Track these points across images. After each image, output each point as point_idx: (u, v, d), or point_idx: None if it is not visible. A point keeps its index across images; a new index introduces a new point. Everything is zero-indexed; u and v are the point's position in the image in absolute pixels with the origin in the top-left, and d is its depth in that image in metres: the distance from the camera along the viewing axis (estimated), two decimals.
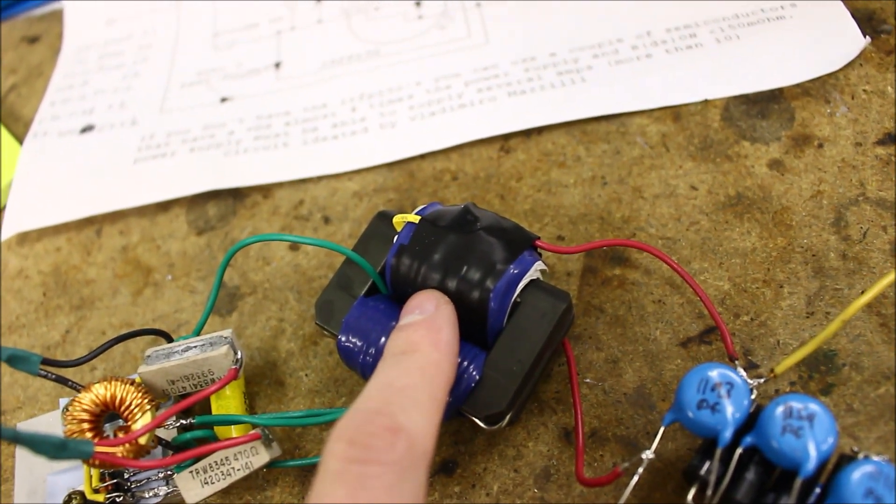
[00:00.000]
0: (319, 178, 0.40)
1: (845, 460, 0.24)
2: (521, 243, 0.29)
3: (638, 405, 0.30)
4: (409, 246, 0.29)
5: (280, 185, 0.40)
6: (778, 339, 0.30)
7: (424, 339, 0.25)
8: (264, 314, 0.36)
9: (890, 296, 0.30)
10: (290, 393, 0.33)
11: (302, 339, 0.35)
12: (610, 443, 0.29)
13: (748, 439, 0.25)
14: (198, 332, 0.32)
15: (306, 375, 0.34)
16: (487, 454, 0.30)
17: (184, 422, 0.29)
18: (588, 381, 0.31)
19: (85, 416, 0.28)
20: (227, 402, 0.31)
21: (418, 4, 0.45)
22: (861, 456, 0.24)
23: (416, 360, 0.25)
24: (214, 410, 0.31)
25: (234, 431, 0.30)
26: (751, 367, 0.30)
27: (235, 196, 0.40)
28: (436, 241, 0.28)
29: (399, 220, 0.30)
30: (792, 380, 0.29)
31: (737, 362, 0.28)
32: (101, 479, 0.30)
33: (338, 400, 0.33)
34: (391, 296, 0.30)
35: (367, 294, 0.30)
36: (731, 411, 0.25)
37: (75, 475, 0.31)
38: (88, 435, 0.28)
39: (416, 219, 0.29)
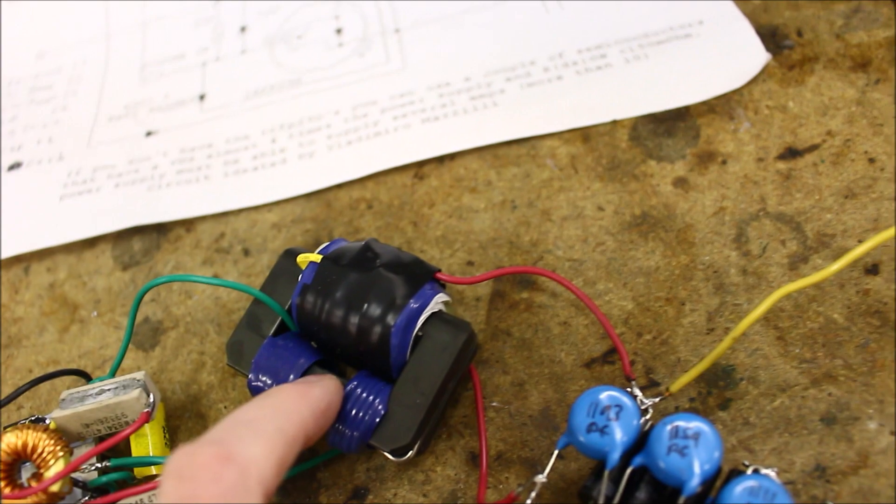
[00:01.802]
0: (240, 211, 0.40)
1: (734, 475, 0.25)
2: (421, 277, 0.29)
3: (543, 427, 0.31)
4: (312, 285, 0.29)
5: (203, 218, 0.40)
6: (679, 357, 0.31)
7: (293, 389, 0.26)
8: (186, 348, 0.36)
9: (787, 309, 0.31)
10: (210, 426, 0.34)
11: (222, 372, 0.35)
12: (515, 465, 0.30)
13: (638, 459, 0.25)
14: (113, 373, 0.33)
15: (225, 408, 0.34)
16: (398, 480, 0.31)
17: (99, 465, 0.30)
18: (495, 404, 0.31)
19: None
20: (146, 440, 0.32)
21: (339, 32, 0.46)
22: (750, 470, 0.25)
23: (273, 399, 0.25)
24: (133, 449, 0.32)
25: (155, 470, 0.31)
26: (652, 386, 0.31)
27: (159, 230, 0.41)
28: (337, 279, 0.29)
29: (302, 260, 0.30)
30: (692, 396, 0.30)
31: (633, 382, 0.29)
32: None
33: None
34: (300, 333, 0.31)
35: (276, 331, 0.31)
36: (619, 434, 0.26)
37: None
38: (1, 484, 0.28)
39: (318, 258, 0.30)
